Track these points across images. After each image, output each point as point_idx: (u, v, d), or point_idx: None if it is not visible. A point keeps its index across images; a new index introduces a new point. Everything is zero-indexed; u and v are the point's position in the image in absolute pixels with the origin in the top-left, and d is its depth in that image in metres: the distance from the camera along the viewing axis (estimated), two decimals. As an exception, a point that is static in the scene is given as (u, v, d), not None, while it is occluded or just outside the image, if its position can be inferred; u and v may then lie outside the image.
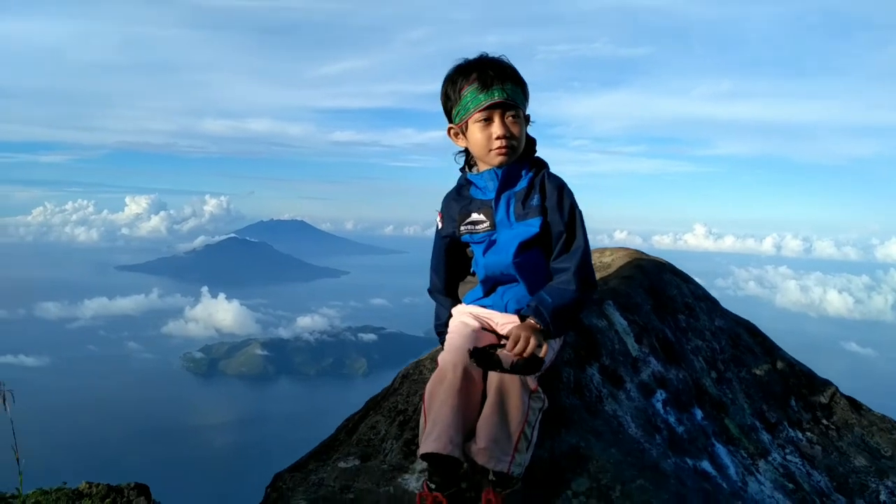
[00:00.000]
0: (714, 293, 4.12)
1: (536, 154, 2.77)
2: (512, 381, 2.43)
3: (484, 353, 2.45)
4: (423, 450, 2.44)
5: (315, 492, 2.82)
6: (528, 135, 2.73)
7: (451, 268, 2.94)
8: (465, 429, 2.47)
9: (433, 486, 2.46)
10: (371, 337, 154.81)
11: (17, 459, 3.86)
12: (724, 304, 4.12)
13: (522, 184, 2.69)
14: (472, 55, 2.64)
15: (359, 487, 2.75)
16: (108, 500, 3.93)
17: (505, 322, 2.73)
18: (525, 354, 2.39)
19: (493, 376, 2.46)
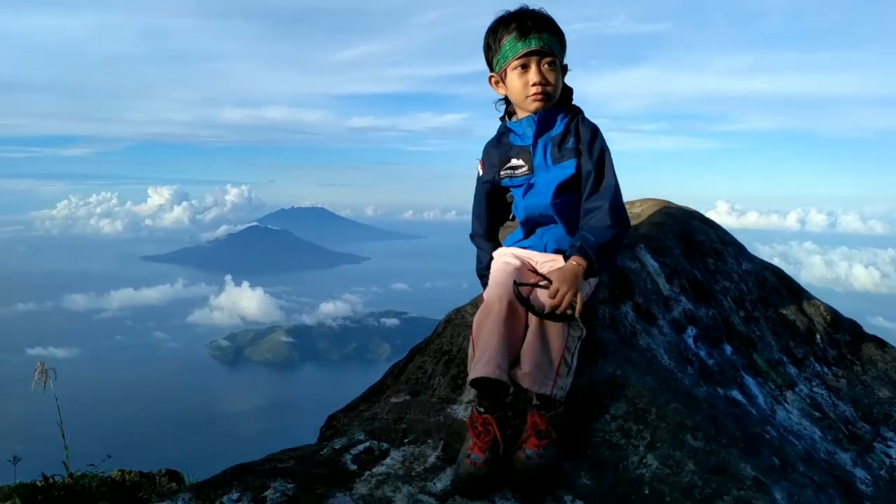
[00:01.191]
0: None
1: (573, 102, 2.94)
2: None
3: (522, 294, 2.64)
4: (472, 375, 2.61)
5: (370, 424, 3.03)
6: (565, 84, 2.89)
7: (492, 213, 3.09)
8: (511, 356, 2.65)
9: (482, 409, 2.64)
10: (393, 322, 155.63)
11: (63, 434, 4.05)
12: None
13: (559, 128, 2.84)
14: (512, 7, 2.81)
15: (411, 418, 2.95)
16: (141, 487, 4.13)
17: (544, 261, 2.90)
18: (559, 311, 2.57)
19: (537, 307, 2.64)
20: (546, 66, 2.75)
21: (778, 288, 3.94)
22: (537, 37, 2.70)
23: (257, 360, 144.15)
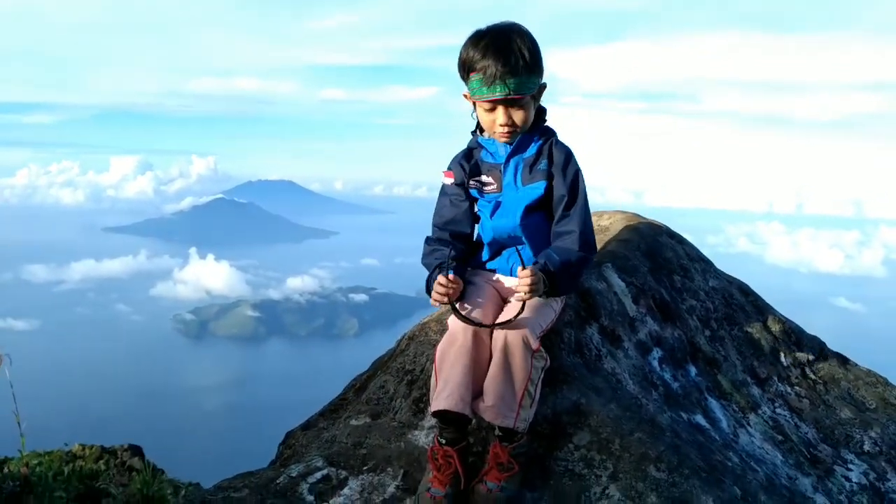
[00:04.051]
0: (705, 250, 4.23)
1: (546, 123, 2.87)
2: (515, 341, 2.55)
3: (459, 310, 2.62)
4: (434, 407, 2.57)
5: (328, 448, 2.96)
6: (539, 105, 2.81)
7: (471, 218, 2.94)
8: (475, 388, 2.60)
9: (444, 441, 2.59)
10: (362, 297, 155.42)
11: (19, 423, 3.96)
12: (715, 260, 4.23)
13: (531, 150, 2.80)
14: (489, 22, 2.68)
15: (371, 443, 2.89)
16: (101, 461, 4.07)
17: (511, 284, 2.85)
18: (524, 297, 2.53)
19: (498, 338, 2.58)
20: (513, 108, 2.67)
21: (744, 305, 3.93)
22: (503, 83, 2.59)
23: (222, 334, 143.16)
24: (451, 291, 2.61)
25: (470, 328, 2.59)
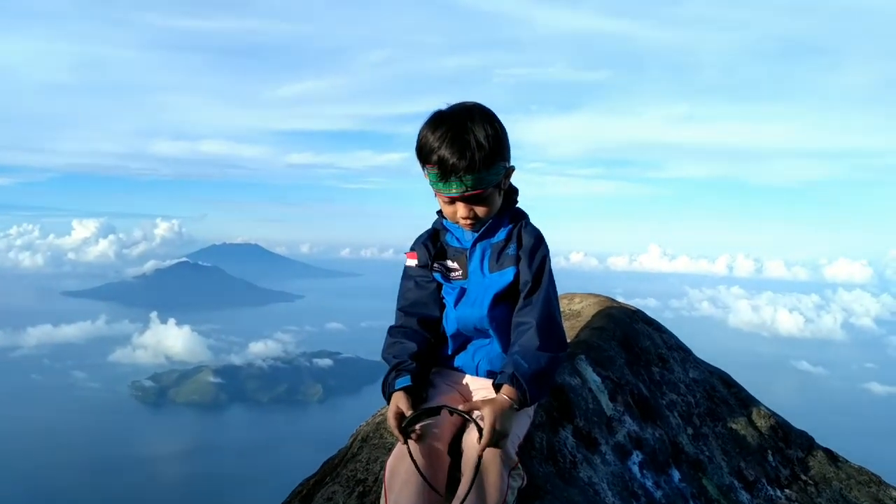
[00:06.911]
0: (669, 314, 3.99)
1: (518, 205, 2.61)
2: (492, 457, 2.23)
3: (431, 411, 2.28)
4: (384, 536, 2.23)
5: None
6: (511, 184, 2.55)
7: (437, 301, 2.66)
8: (432, 510, 2.27)
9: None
10: (326, 362, 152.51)
11: None
12: (680, 324, 3.97)
13: (500, 235, 2.54)
14: (445, 105, 2.43)
15: (315, 570, 2.52)
16: None
17: (479, 387, 2.54)
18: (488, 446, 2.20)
19: (471, 451, 2.26)
20: (474, 201, 2.42)
21: (726, 398, 3.65)
22: (458, 180, 2.34)
23: (182, 401, 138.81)
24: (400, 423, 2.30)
25: (423, 438, 2.28)
